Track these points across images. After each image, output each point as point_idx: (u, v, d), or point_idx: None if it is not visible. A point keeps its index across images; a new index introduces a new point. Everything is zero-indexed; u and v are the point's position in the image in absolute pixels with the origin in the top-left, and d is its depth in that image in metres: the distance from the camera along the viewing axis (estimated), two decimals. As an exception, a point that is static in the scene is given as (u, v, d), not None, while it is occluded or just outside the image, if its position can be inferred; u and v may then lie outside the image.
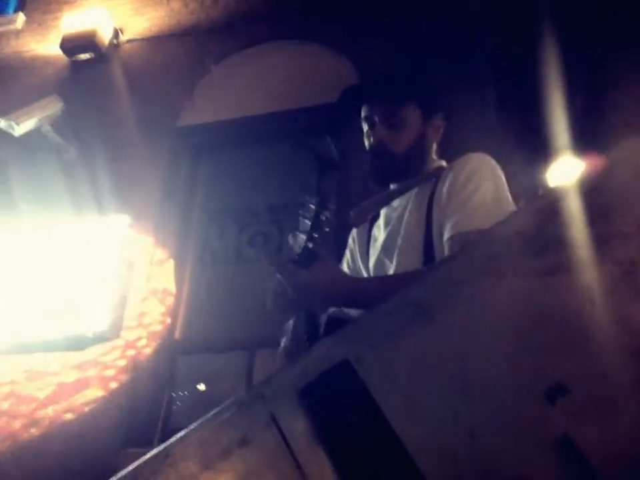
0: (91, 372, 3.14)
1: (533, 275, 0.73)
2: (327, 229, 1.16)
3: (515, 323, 0.72)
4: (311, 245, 1.16)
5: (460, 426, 0.69)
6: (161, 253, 3.49)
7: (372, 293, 1.17)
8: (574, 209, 0.76)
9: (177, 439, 0.74)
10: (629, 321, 0.68)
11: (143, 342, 3.19)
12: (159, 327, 3.25)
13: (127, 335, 3.23)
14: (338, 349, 0.77)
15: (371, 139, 1.45)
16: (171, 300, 3.35)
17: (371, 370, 0.75)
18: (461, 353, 0.72)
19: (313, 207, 1.17)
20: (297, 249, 1.18)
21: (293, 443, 0.73)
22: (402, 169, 1.44)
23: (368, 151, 1.47)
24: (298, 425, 0.75)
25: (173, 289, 3.39)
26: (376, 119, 1.44)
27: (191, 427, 0.74)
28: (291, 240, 1.19)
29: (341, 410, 0.77)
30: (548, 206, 0.77)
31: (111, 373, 3.12)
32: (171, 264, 3.46)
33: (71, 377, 3.16)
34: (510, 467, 0.65)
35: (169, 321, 3.29)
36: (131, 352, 3.18)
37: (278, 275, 1.17)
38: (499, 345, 0.72)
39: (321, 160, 1.20)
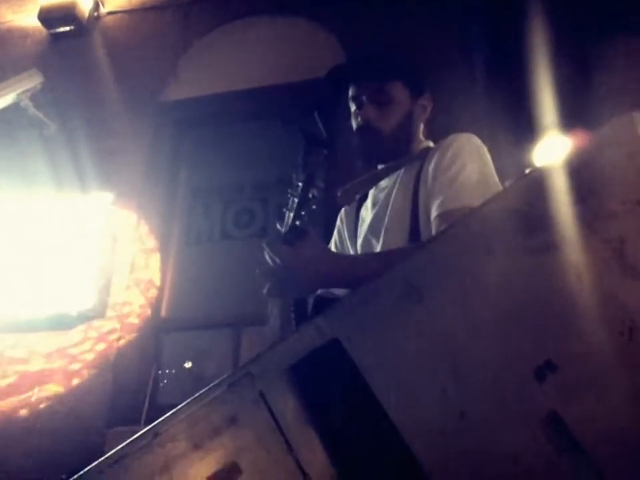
0: (76, 350, 3.13)
1: (522, 252, 0.73)
2: (314, 207, 1.15)
3: (505, 301, 0.72)
4: (298, 223, 1.15)
5: (449, 404, 0.69)
6: (145, 230, 3.46)
7: (359, 269, 1.17)
8: (563, 186, 0.75)
9: (166, 418, 0.73)
10: (617, 298, 0.69)
11: (128, 320, 3.18)
12: (144, 305, 3.24)
13: (112, 313, 3.21)
14: (328, 328, 0.76)
15: (359, 119, 1.44)
16: (156, 277, 3.34)
17: (361, 349, 0.75)
18: (451, 331, 0.72)
19: (300, 184, 1.16)
20: (285, 227, 1.17)
21: (282, 421, 0.74)
22: (389, 148, 1.44)
23: (355, 130, 1.46)
24: (287, 403, 0.75)
25: (158, 266, 3.37)
26: (363, 98, 1.43)
27: (180, 406, 0.74)
28: (279, 218, 1.19)
29: (330, 388, 0.77)
30: (537, 183, 0.77)
31: (96, 351, 3.11)
32: (155, 241, 3.44)
33: (56, 355, 3.14)
34: (499, 444, 0.66)
35: (154, 298, 3.28)
36: (117, 330, 3.16)
37: (267, 254, 1.16)
38: (488, 323, 0.72)
39: (307, 137, 1.19)
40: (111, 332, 3.15)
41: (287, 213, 1.18)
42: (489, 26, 3.18)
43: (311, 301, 1.19)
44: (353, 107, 1.47)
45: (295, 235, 1.15)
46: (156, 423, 0.73)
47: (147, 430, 0.72)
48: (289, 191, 1.18)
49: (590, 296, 0.69)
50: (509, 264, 0.74)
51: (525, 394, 0.67)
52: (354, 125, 1.47)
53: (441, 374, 0.71)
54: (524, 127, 2.81)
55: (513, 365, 0.69)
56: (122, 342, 3.13)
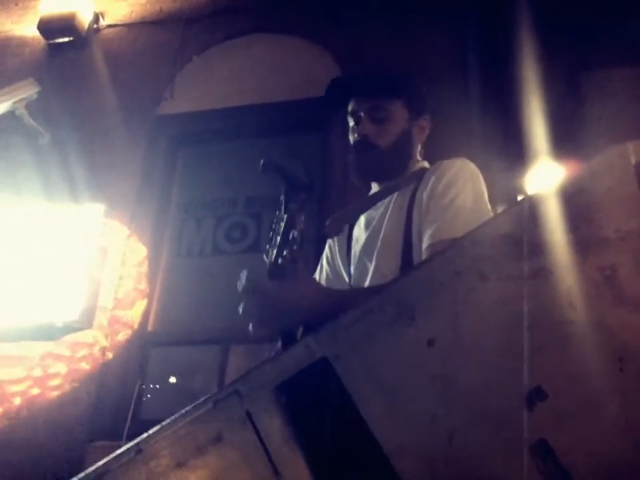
0: (61, 362, 3.08)
1: (515, 278, 0.73)
2: (296, 247, 1.16)
3: (496, 326, 0.72)
4: (280, 261, 1.16)
5: (438, 428, 0.68)
6: (135, 243, 3.43)
7: (345, 304, 1.17)
8: (556, 212, 0.76)
9: (150, 434, 0.72)
10: (609, 326, 0.69)
11: (114, 333, 3.14)
12: (131, 318, 3.21)
13: (98, 325, 3.17)
14: (317, 347, 0.76)
15: (356, 134, 1.44)
16: (144, 291, 3.31)
17: (350, 369, 0.74)
18: (442, 354, 0.72)
19: (281, 224, 1.17)
20: (268, 264, 1.18)
21: (268, 441, 0.72)
22: (386, 165, 1.43)
23: (352, 145, 1.45)
24: (274, 423, 0.74)
25: (147, 279, 3.35)
26: (362, 113, 1.43)
27: (165, 422, 0.72)
28: (265, 255, 1.20)
29: (317, 408, 0.76)
30: (531, 209, 0.77)
31: (80, 363, 3.07)
32: (146, 254, 3.42)
33: (39, 366, 3.10)
34: (487, 470, 0.65)
35: (142, 312, 3.25)
36: (102, 342, 3.13)
37: (249, 288, 1.16)
38: (479, 347, 0.71)
39: (289, 180, 1.21)
40: (96, 344, 3.11)
41: (270, 249, 1.19)
42: (483, 49, 3.23)
43: (299, 330, 1.18)
44: (351, 122, 1.47)
45: (277, 272, 1.16)
46: (139, 438, 0.71)
47: (130, 446, 0.71)
48: (272, 227, 1.20)
49: (582, 323, 0.69)
50: (502, 289, 0.73)
51: (514, 421, 0.66)
52: (351, 139, 1.47)
53: (430, 398, 0.71)
54: (516, 153, 2.83)
55: (502, 391, 0.69)
56: (107, 355, 3.09)
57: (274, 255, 1.18)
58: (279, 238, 1.18)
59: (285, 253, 1.16)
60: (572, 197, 0.75)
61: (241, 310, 1.20)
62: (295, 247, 1.16)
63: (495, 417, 0.68)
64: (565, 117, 2.80)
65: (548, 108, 2.70)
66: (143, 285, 3.32)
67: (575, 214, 0.74)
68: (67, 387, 3.02)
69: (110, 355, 3.09)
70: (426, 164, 1.47)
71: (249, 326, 1.20)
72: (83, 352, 3.10)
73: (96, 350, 3.10)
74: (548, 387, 0.67)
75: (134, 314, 3.22)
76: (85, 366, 3.06)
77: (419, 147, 1.50)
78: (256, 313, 1.18)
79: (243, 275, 1.17)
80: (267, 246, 1.22)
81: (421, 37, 3.48)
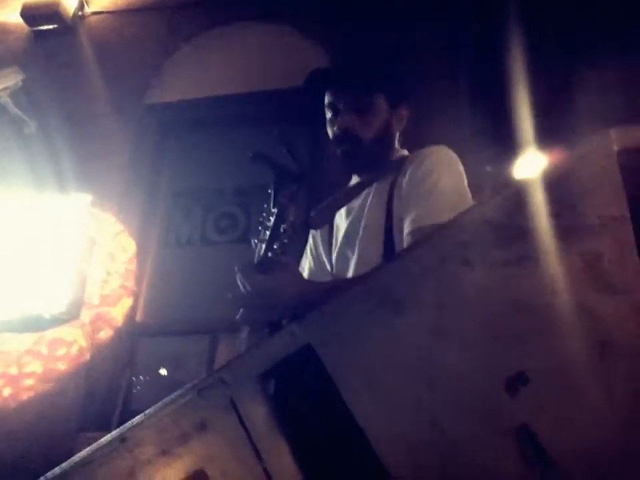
0: (48, 353, 3.07)
1: (499, 264, 0.73)
2: (286, 240, 1.16)
3: (480, 312, 0.72)
4: (270, 254, 1.16)
5: (422, 414, 0.69)
6: (123, 233, 3.41)
7: (330, 295, 1.18)
8: (540, 199, 0.76)
9: (134, 423, 0.72)
10: (591, 312, 0.69)
11: (102, 323, 3.13)
12: (119, 309, 3.19)
13: (86, 316, 3.16)
14: (301, 335, 0.76)
15: (335, 127, 1.41)
16: (132, 281, 3.29)
17: (334, 356, 0.74)
18: (426, 340, 0.72)
19: (271, 218, 1.17)
20: (257, 258, 1.18)
21: (253, 428, 0.72)
22: (367, 157, 1.42)
23: (332, 139, 1.44)
24: (258, 410, 0.74)
25: (135, 269, 3.33)
26: (340, 105, 1.41)
27: (149, 410, 0.72)
28: (254, 247, 1.20)
29: (301, 395, 0.76)
30: (515, 196, 0.77)
31: (68, 354, 3.06)
32: (133, 244, 3.39)
33: (27, 357, 3.08)
34: (470, 454, 0.66)
35: (130, 302, 3.23)
36: (90, 334, 3.11)
37: (239, 280, 1.16)
38: (463, 333, 0.72)
39: (278, 172, 1.20)
40: (84, 335, 3.10)
41: (259, 244, 1.18)
42: (474, 42, 3.23)
43: (286, 321, 1.18)
44: (328, 114, 1.45)
45: (266, 265, 1.16)
46: (123, 427, 0.71)
47: (115, 434, 0.71)
48: (260, 220, 1.19)
49: (564, 309, 0.69)
50: (487, 274, 0.74)
51: (497, 406, 0.67)
52: (330, 133, 1.45)
53: (414, 383, 0.71)
54: (505, 144, 2.84)
55: (486, 375, 0.69)
56: (95, 346, 3.08)
57: (263, 249, 1.18)
58: (267, 232, 1.18)
59: (275, 246, 1.16)
60: (555, 184, 0.75)
61: (230, 298, 1.20)
62: (285, 241, 1.16)
63: (478, 402, 0.68)
64: (553, 109, 2.81)
65: (537, 100, 2.71)
66: (131, 275, 3.31)
67: (558, 201, 0.74)
68: (55, 379, 3.01)
69: (98, 347, 3.08)
70: (405, 152, 1.47)
71: (236, 315, 1.20)
72: (70, 343, 3.09)
73: (85, 341, 3.09)
74: (530, 372, 0.67)
75: (122, 305, 3.21)
76: (74, 358, 3.05)
77: (398, 136, 1.49)
78: (244, 304, 1.18)
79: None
80: (255, 240, 1.21)
81: (412, 29, 3.46)
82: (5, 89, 3.41)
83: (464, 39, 3.26)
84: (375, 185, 1.41)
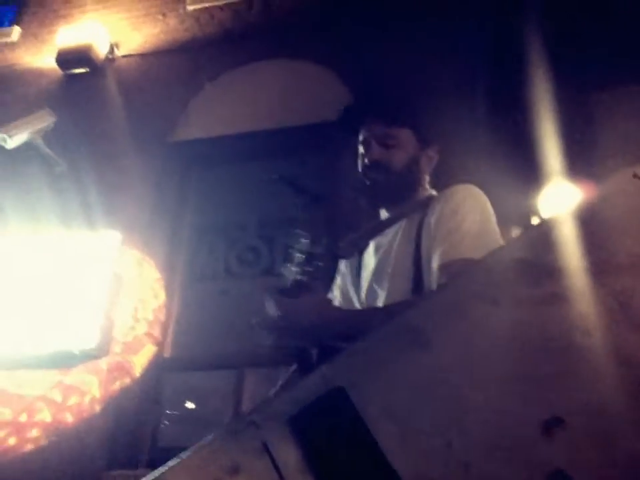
0: (77, 390, 3.09)
1: (529, 303, 0.73)
2: (320, 264, 1.18)
3: (512, 353, 0.72)
4: (301, 278, 1.17)
5: (454, 457, 0.68)
6: (149, 268, 3.46)
7: (358, 323, 1.19)
8: (570, 238, 0.76)
9: (167, 467, 0.72)
10: (625, 352, 0.68)
11: (119, 374, 3.14)
12: (141, 357, 3.21)
13: (114, 352, 3.19)
14: (332, 376, 0.75)
15: (365, 159, 1.46)
16: (160, 316, 3.32)
17: (366, 397, 0.74)
18: (457, 381, 0.72)
19: (305, 241, 1.19)
20: (289, 281, 1.19)
21: (286, 471, 0.72)
22: (395, 190, 1.45)
23: (362, 169, 1.48)
24: (290, 453, 0.73)
25: (162, 305, 3.36)
26: (372, 140, 1.46)
27: (182, 454, 0.72)
28: (284, 272, 1.21)
29: (333, 438, 0.75)
30: (544, 234, 0.77)
31: (80, 405, 3.07)
32: (159, 279, 3.44)
33: (55, 394, 3.11)
34: (506, 501, 0.65)
35: (157, 337, 3.26)
36: (119, 369, 3.13)
37: (267, 304, 1.18)
38: (495, 374, 0.71)
39: (303, 194, 1.22)
40: (100, 385, 3.11)
41: (290, 267, 1.20)
42: (493, 70, 3.24)
43: (315, 352, 1.18)
44: (360, 150, 1.50)
45: (297, 289, 1.17)
46: (157, 471, 0.71)
47: (150, 479, 0.71)
48: (293, 245, 1.21)
49: (597, 350, 0.68)
50: (517, 314, 0.73)
51: (531, 449, 0.66)
52: (360, 165, 1.49)
53: (446, 426, 0.70)
54: (527, 173, 2.83)
55: (519, 419, 0.68)
56: (124, 382, 3.09)
57: (296, 272, 1.19)
58: (298, 255, 1.19)
59: (307, 269, 1.17)
60: (584, 222, 0.75)
61: (254, 323, 1.21)
62: (320, 264, 1.17)
63: (512, 444, 0.67)
64: (576, 136, 2.80)
65: (558, 128, 2.70)
66: (158, 310, 3.34)
67: (588, 239, 0.74)
68: (83, 416, 3.03)
69: (126, 382, 3.09)
70: (434, 192, 1.49)
71: (263, 339, 1.21)
72: (85, 393, 3.10)
73: (98, 391, 3.09)
74: (566, 415, 0.66)
75: (144, 353, 3.22)
76: (84, 409, 3.06)
77: (427, 176, 1.52)
78: (272, 328, 1.18)
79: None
80: (288, 264, 1.22)
81: (430, 61, 3.51)
82: (38, 130, 3.52)
83: (482, 68, 3.28)
84: (403, 222, 1.43)
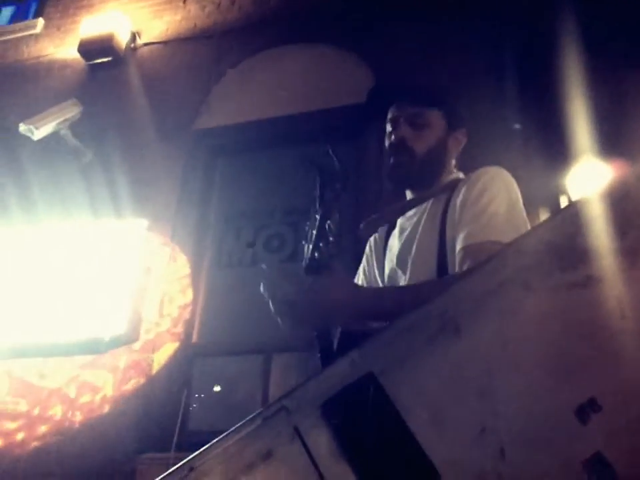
0: (108, 375, 3.16)
1: (562, 287, 0.72)
2: (332, 238, 1.16)
3: (545, 337, 0.71)
4: (317, 255, 1.16)
5: (488, 443, 0.67)
6: (178, 256, 3.50)
7: (381, 302, 1.18)
8: (603, 218, 0.74)
9: (201, 452, 0.73)
10: (663, 335, 0.67)
11: (135, 372, 3.19)
12: (175, 330, 3.26)
13: (143, 338, 3.24)
14: (362, 362, 0.75)
15: (392, 137, 1.45)
16: (187, 302, 3.36)
17: (396, 383, 0.74)
18: (489, 367, 0.71)
19: (317, 217, 1.17)
20: (305, 260, 1.18)
21: (318, 456, 0.72)
22: (421, 171, 1.43)
23: (388, 147, 1.46)
24: (321, 438, 0.74)
25: (190, 291, 3.40)
26: (401, 119, 1.44)
27: (215, 440, 0.73)
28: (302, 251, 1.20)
29: (365, 423, 0.75)
30: (576, 216, 0.75)
31: (127, 376, 3.14)
32: (188, 266, 3.48)
33: (87, 379, 3.18)
34: (541, 486, 0.64)
35: (185, 323, 3.30)
36: (148, 355, 3.19)
37: (284, 286, 1.17)
38: (528, 359, 0.70)
39: (322, 172, 1.21)
40: (113, 384, 3.16)
41: (306, 245, 1.19)
42: (521, 50, 3.18)
43: (336, 335, 1.18)
44: (388, 128, 1.48)
45: (314, 267, 1.16)
46: (191, 457, 0.72)
47: (183, 464, 0.72)
48: (307, 224, 1.20)
49: (634, 332, 0.67)
50: (548, 299, 0.72)
51: (568, 434, 0.65)
52: (387, 143, 1.48)
53: (479, 411, 0.70)
54: (558, 152, 2.78)
55: (554, 403, 0.67)
56: (154, 367, 3.15)
57: (310, 249, 1.18)
58: (314, 232, 1.18)
59: (321, 245, 1.16)
60: (618, 202, 0.73)
61: (272, 307, 1.21)
62: (331, 239, 1.16)
63: (548, 430, 0.66)
64: (607, 114, 2.73)
65: (590, 106, 2.64)
66: (186, 297, 3.38)
67: (622, 219, 0.72)
68: (115, 400, 3.09)
69: (156, 368, 3.15)
70: (461, 175, 1.47)
71: (282, 323, 1.21)
72: (129, 365, 3.17)
73: (112, 390, 3.15)
74: (601, 399, 0.65)
75: (164, 351, 3.26)
76: (132, 378, 3.13)
77: (454, 159, 1.50)
78: (290, 310, 1.17)
79: (264, 273, 1.19)
80: (303, 242, 1.21)
81: (457, 40, 3.45)
82: (65, 120, 3.57)
83: (511, 45, 3.21)
84: (428, 204, 1.41)
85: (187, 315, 3.33)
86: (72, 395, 3.15)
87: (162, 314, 3.32)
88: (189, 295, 3.39)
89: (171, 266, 3.41)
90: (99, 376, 3.16)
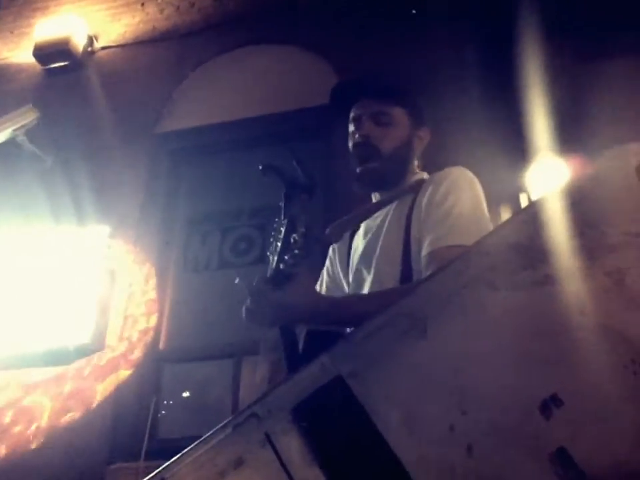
0: (74, 384, 3.09)
1: (524, 286, 0.74)
2: (297, 251, 1.16)
3: (508, 335, 0.73)
4: (282, 266, 1.17)
5: (456, 440, 0.69)
6: (142, 261, 3.45)
7: (342, 311, 1.20)
8: (561, 219, 0.76)
9: (172, 462, 0.73)
10: (620, 330, 0.69)
11: (126, 352, 3.15)
12: (142, 337, 3.22)
13: (110, 346, 3.18)
14: (331, 365, 0.76)
15: (356, 136, 1.43)
16: (154, 309, 3.32)
17: (365, 385, 0.74)
18: (456, 366, 0.72)
19: (282, 229, 1.18)
20: (270, 271, 1.19)
21: (289, 462, 0.73)
22: (386, 171, 1.42)
23: (352, 147, 1.45)
24: (292, 444, 0.74)
25: (157, 297, 3.36)
26: (364, 117, 1.43)
27: (186, 449, 0.73)
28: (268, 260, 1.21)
29: (335, 427, 0.76)
30: (535, 217, 0.77)
31: (95, 385, 3.08)
32: (153, 272, 3.43)
33: (53, 388, 3.11)
34: (508, 481, 0.66)
35: (152, 330, 3.26)
36: (115, 363, 3.13)
37: (251, 295, 1.18)
38: (492, 357, 0.72)
39: (289, 183, 1.21)
40: (109, 366, 3.12)
41: (271, 257, 1.19)
42: (482, 46, 3.22)
43: (301, 337, 1.18)
44: (351, 127, 1.47)
45: (279, 278, 1.17)
46: (162, 467, 0.72)
47: (154, 475, 0.72)
48: (272, 234, 1.20)
49: (593, 329, 0.69)
50: (513, 297, 0.74)
51: (532, 429, 0.67)
52: (350, 143, 1.46)
53: (447, 410, 0.71)
54: (517, 149, 2.83)
55: (518, 399, 0.69)
56: (121, 375, 3.10)
57: (274, 261, 1.19)
58: (279, 244, 1.18)
59: (286, 257, 1.17)
60: (576, 203, 0.76)
61: (244, 313, 1.22)
62: (296, 251, 1.16)
63: (513, 426, 0.68)
64: (565, 110, 2.79)
65: (549, 102, 2.69)
66: (152, 303, 3.33)
67: (580, 219, 0.74)
68: (82, 409, 3.03)
69: (124, 376, 3.10)
70: (425, 175, 1.47)
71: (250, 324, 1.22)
72: (96, 374, 3.11)
73: (109, 370, 3.11)
74: (563, 394, 0.67)
75: (145, 332, 3.23)
76: (99, 388, 3.07)
77: (417, 159, 1.50)
78: (257, 318, 1.20)
79: (240, 283, 1.20)
80: (267, 253, 1.23)
81: (420, 38, 3.49)
82: (21, 127, 3.48)
83: (472, 41, 3.25)
84: (393, 205, 1.42)
85: (153, 288, 3.29)
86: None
87: (130, 296, 3.27)
88: (149, 270, 3.34)
89: (136, 285, 3.34)
90: (39, 401, 3.08)
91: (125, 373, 3.10)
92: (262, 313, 1.19)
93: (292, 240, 1.17)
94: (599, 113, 2.77)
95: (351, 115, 1.47)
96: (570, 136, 2.71)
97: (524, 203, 2.72)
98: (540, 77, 2.77)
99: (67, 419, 3.02)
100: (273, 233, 1.22)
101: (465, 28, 3.34)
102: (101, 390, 3.06)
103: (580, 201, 0.75)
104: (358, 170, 1.43)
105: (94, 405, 3.03)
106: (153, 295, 3.35)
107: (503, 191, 2.67)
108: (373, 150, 1.40)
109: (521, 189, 2.80)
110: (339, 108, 1.52)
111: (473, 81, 3.09)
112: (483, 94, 3.04)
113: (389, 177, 1.44)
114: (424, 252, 1.24)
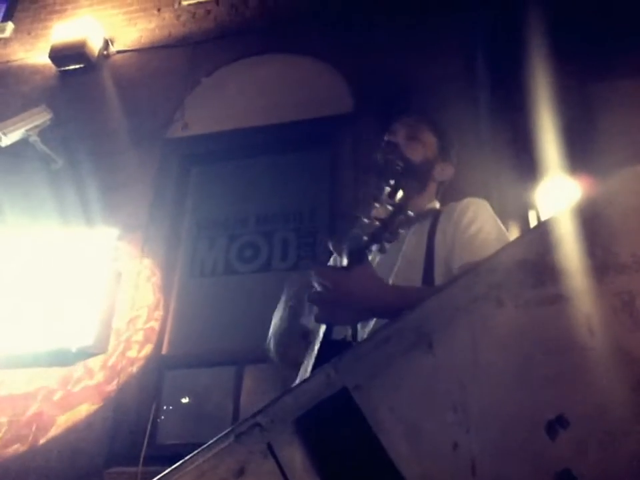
0: (76, 387, 3.09)
1: (532, 304, 0.73)
2: (386, 243, 1.09)
3: (515, 353, 0.72)
4: (367, 250, 1.10)
5: (460, 457, 0.68)
6: (149, 265, 3.46)
7: (410, 300, 1.15)
8: (572, 238, 0.76)
9: (173, 469, 0.72)
10: (629, 351, 0.68)
11: (129, 356, 3.15)
12: (146, 342, 3.22)
13: (113, 349, 3.18)
14: (337, 377, 0.76)
15: (386, 138, 1.52)
16: (158, 313, 3.32)
17: (370, 398, 0.74)
18: (462, 382, 0.72)
19: (390, 208, 1.09)
20: (349, 247, 1.11)
21: (290, 473, 0.72)
22: (405, 176, 1.42)
23: (380, 150, 1.48)
24: (295, 455, 0.74)
25: (161, 301, 3.36)
26: (399, 129, 1.52)
27: (187, 457, 0.72)
28: (351, 233, 1.11)
29: (338, 439, 0.76)
30: (546, 235, 0.77)
31: (96, 388, 3.07)
32: (159, 276, 3.43)
33: (55, 392, 3.11)
34: (512, 501, 0.65)
35: (156, 334, 3.26)
36: (117, 366, 3.13)
37: (316, 279, 1.09)
38: (498, 374, 0.71)
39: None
40: (111, 369, 3.12)
41: (358, 232, 1.09)
42: (492, 63, 3.23)
43: (318, 339, 1.16)
44: (386, 137, 1.54)
45: (358, 259, 1.10)
46: (163, 474, 0.71)
47: (154, 481, 0.71)
48: (357, 212, 1.10)
49: (601, 349, 0.69)
50: (520, 315, 0.73)
51: (537, 450, 0.66)
52: (380, 154, 1.48)
53: (452, 426, 0.70)
54: (527, 167, 2.83)
55: (524, 418, 0.68)
56: (122, 379, 3.09)
57: (366, 240, 1.08)
58: (375, 223, 1.07)
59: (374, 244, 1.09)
60: (587, 223, 0.75)
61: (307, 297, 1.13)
62: (385, 243, 1.09)
63: (517, 445, 0.67)
64: (575, 129, 2.79)
65: (557, 121, 2.70)
66: (157, 307, 3.34)
67: (591, 239, 0.74)
68: (82, 412, 3.03)
69: (125, 380, 3.09)
70: (437, 204, 1.51)
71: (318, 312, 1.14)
72: (97, 377, 3.11)
73: (111, 374, 3.11)
74: (570, 415, 0.66)
75: (148, 337, 3.23)
76: (101, 391, 3.07)
77: (435, 187, 1.54)
78: (320, 304, 1.11)
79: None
80: (354, 229, 1.11)
81: (429, 53, 3.50)
82: (34, 127, 3.51)
83: (482, 61, 3.26)
84: (413, 225, 1.43)
85: (159, 292, 3.28)
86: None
87: (135, 299, 3.27)
88: (155, 274, 3.34)
89: (141, 288, 3.33)
90: (38, 404, 3.06)
91: (126, 377, 3.09)
92: (329, 297, 1.09)
93: (395, 223, 1.08)
94: (609, 132, 2.76)
95: (390, 127, 1.56)
96: (580, 155, 2.71)
97: (533, 221, 2.71)
98: (550, 96, 2.78)
99: (66, 422, 3.02)
100: (357, 211, 1.11)
101: (475, 44, 3.36)
102: (102, 393, 3.06)
103: (591, 221, 0.75)
104: (381, 162, 1.44)
105: (94, 408, 3.03)
106: (158, 298, 3.35)
107: (513, 209, 2.66)
108: (399, 154, 1.46)
109: (531, 207, 2.79)
110: (383, 122, 1.59)
111: (483, 99, 3.10)
112: (492, 112, 3.05)
113: (406, 182, 1.43)
114: (456, 266, 1.26)
